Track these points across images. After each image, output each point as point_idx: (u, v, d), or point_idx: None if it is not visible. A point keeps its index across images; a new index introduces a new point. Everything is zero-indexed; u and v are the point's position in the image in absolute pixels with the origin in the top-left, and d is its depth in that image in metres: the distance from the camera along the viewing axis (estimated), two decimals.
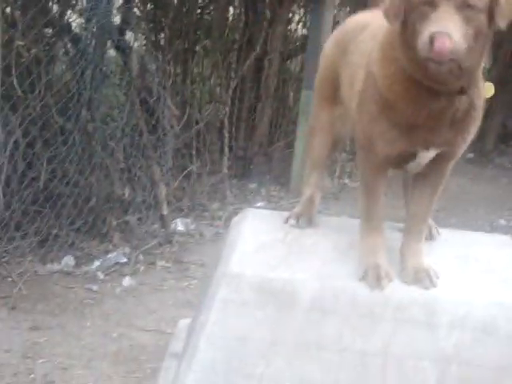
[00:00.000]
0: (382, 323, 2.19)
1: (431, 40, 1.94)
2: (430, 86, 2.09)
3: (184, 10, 6.34)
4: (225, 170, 6.22)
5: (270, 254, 2.33)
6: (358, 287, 2.22)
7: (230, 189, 6.26)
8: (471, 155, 8.07)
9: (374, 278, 2.22)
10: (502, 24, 2.06)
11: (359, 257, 2.29)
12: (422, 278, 2.24)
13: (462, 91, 2.12)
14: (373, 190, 2.32)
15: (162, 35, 6.24)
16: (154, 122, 5.26)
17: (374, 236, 2.31)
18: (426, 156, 2.23)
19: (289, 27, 7.25)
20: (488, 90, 2.28)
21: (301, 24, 7.33)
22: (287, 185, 6.52)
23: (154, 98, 5.14)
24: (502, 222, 6.14)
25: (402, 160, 2.26)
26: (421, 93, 2.11)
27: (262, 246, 2.37)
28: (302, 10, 7.35)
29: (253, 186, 6.57)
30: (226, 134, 6.28)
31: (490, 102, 7.75)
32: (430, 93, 2.10)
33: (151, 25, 6.33)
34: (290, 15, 7.19)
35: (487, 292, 2.23)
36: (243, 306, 2.20)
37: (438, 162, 2.27)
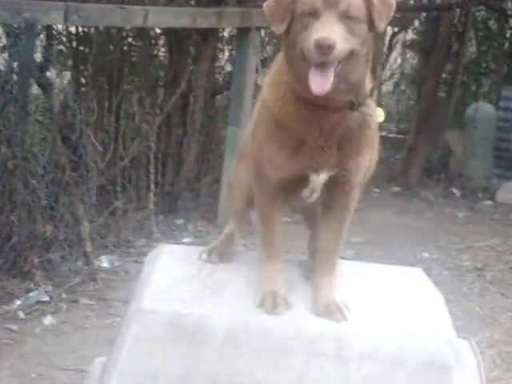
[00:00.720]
0: (294, 357, 2.20)
1: (316, 44, 2.02)
2: (320, 104, 2.14)
3: (107, 47, 6.34)
4: (151, 206, 6.19)
5: (183, 290, 2.33)
6: (270, 321, 2.23)
7: (157, 225, 6.23)
8: (397, 189, 8.20)
9: (270, 304, 2.24)
10: (380, 26, 2.16)
11: (258, 284, 2.31)
12: (333, 310, 2.26)
13: (351, 107, 2.17)
14: (268, 219, 2.35)
15: (86, 72, 6.23)
16: (77, 159, 5.22)
17: (272, 263, 2.34)
18: (318, 180, 2.25)
19: (217, 64, 7.32)
20: (379, 115, 2.34)
21: (228, 61, 7.41)
22: (214, 220, 6.52)
23: (77, 135, 5.11)
24: (426, 254, 6.22)
25: (295, 185, 2.28)
26: (311, 110, 2.16)
27: (176, 282, 2.37)
28: (229, 47, 7.43)
29: (180, 221, 6.55)
30: (152, 170, 6.27)
31: (415, 137, 7.91)
32: (320, 110, 2.15)
33: (74, 62, 6.31)
34: (218, 52, 7.26)
35: (396, 324, 2.26)
36: (155, 343, 2.19)
37: (335, 191, 2.29)
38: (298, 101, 2.18)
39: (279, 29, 2.17)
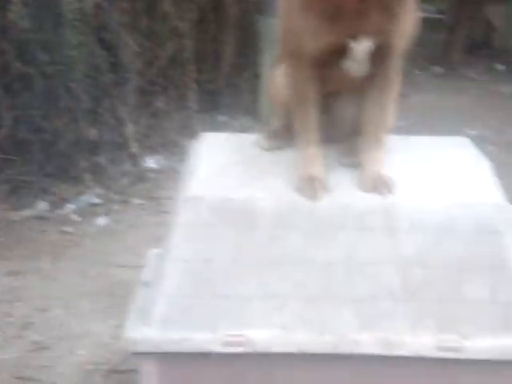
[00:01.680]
0: (342, 233, 2.22)
1: None
2: None
3: None
4: (193, 105, 6.18)
5: (228, 176, 2.34)
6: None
7: (200, 123, 6.23)
8: (439, 69, 8.08)
9: (308, 189, 2.23)
10: None
11: (295, 169, 2.30)
12: (379, 185, 2.25)
13: None
14: (304, 101, 2.29)
15: None
16: (114, 61, 5.21)
17: (310, 148, 2.31)
18: (359, 50, 2.17)
19: None
20: None
21: None
22: (258, 115, 6.49)
23: (113, 37, 5.08)
24: (474, 133, 6.17)
25: (334, 57, 2.19)
26: None
27: (221, 169, 2.39)
28: None
29: (223, 118, 6.54)
30: (191, 69, 6.23)
31: (454, 15, 7.72)
32: None
33: None
34: None
35: (444, 193, 2.26)
36: (205, 228, 2.22)
37: (377, 61, 2.22)
38: None
39: None
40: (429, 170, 2.37)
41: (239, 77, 6.90)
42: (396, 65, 2.29)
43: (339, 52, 2.18)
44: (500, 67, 8.05)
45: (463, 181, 2.32)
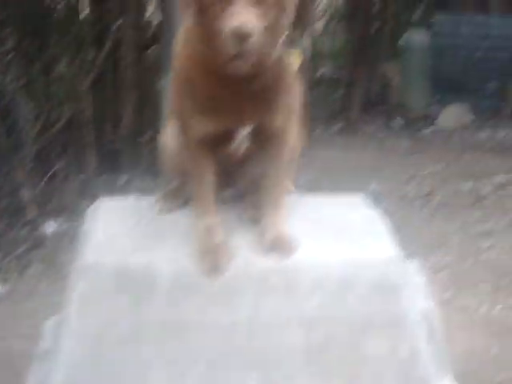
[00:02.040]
0: (245, 296, 2.19)
1: (234, 35, 1.95)
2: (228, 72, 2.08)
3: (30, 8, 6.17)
4: (92, 167, 6.10)
5: (124, 241, 2.29)
6: None
7: (100, 185, 6.15)
8: (339, 125, 8.21)
9: (209, 263, 2.20)
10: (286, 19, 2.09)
11: (194, 240, 2.26)
12: (280, 245, 2.24)
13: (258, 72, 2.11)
14: (199, 172, 2.29)
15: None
16: (11, 124, 5.11)
17: (208, 217, 2.29)
18: (241, 134, 2.21)
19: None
20: (296, 57, 2.31)
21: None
22: (158, 175, 6.44)
23: (8, 101, 4.99)
24: (373, 187, 6.24)
25: (220, 140, 2.23)
26: (222, 75, 2.10)
27: (117, 234, 2.33)
28: None
29: (123, 179, 6.47)
30: (90, 130, 6.16)
31: (351, 73, 7.87)
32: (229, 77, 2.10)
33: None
34: (145, 4, 7.13)
35: (343, 251, 2.25)
36: (101, 295, 2.17)
37: (264, 136, 2.24)
38: (207, 66, 2.12)
39: (187, 20, 2.08)
40: (328, 227, 2.37)
41: (140, 136, 6.86)
42: (284, 135, 2.30)
43: (223, 137, 2.22)
44: (397, 123, 8.24)
45: (362, 238, 2.32)
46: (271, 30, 2.04)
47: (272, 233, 2.28)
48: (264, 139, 2.26)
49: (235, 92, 2.14)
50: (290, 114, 2.31)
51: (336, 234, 2.32)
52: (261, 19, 1.99)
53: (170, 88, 2.35)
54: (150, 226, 2.37)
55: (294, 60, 2.31)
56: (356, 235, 2.32)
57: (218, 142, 2.24)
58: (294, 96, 2.30)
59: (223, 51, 2.00)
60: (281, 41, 2.15)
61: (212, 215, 2.30)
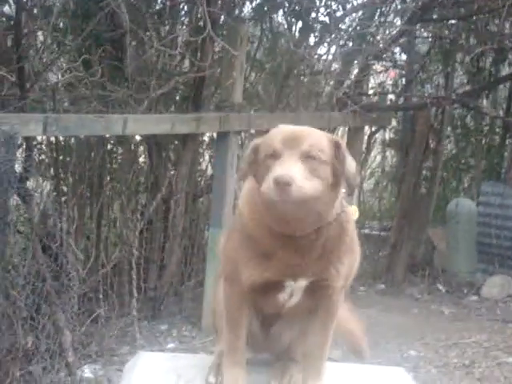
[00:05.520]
0: None
1: (275, 182, 2.02)
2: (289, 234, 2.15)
3: (88, 155, 6.39)
4: (134, 313, 6.13)
5: None
6: None
7: (140, 331, 6.16)
8: (382, 286, 8.18)
9: None
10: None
11: None
12: None
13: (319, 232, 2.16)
14: (236, 324, 2.32)
15: (66, 181, 6.27)
16: (58, 268, 5.19)
17: (236, 368, 2.29)
18: (296, 286, 2.24)
19: (198, 167, 7.37)
20: (353, 212, 2.35)
21: (209, 164, 7.47)
22: (199, 324, 6.46)
23: (57, 244, 5.09)
24: (413, 352, 6.17)
25: (270, 289, 2.26)
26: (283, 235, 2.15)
27: None
28: (209, 151, 7.50)
29: (163, 327, 6.48)
30: (134, 276, 6.23)
31: (398, 234, 7.89)
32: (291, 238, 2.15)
33: (55, 170, 6.35)
34: (198, 156, 7.32)
35: None
36: None
37: (317, 296, 2.27)
38: (270, 228, 2.19)
39: (241, 179, 2.24)
40: None
41: (183, 285, 6.91)
42: (338, 300, 2.32)
43: (275, 286, 2.24)
44: (441, 288, 8.19)
45: None
46: (322, 184, 2.09)
47: None
48: (318, 296, 2.27)
49: (297, 249, 2.18)
50: (349, 276, 2.33)
51: None
52: (311, 174, 2.06)
53: (224, 243, 2.38)
54: None
55: (352, 214, 2.33)
56: None
57: (267, 292, 2.26)
58: (354, 256, 2.32)
59: (269, 199, 2.07)
60: (339, 199, 2.20)
61: (240, 367, 2.31)
